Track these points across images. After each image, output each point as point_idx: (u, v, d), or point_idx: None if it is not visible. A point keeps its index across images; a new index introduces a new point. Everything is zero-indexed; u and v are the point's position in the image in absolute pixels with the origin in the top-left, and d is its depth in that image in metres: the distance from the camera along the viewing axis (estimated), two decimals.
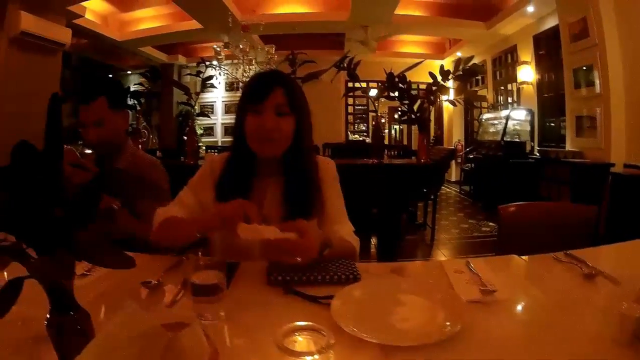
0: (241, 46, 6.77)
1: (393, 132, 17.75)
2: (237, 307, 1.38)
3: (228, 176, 2.04)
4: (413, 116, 6.65)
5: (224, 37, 10.32)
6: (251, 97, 1.94)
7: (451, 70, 5.75)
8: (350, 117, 15.28)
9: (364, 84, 9.39)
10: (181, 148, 7.58)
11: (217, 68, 7.20)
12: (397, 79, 6.36)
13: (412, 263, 1.78)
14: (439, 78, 6.14)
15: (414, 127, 13.38)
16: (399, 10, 9.72)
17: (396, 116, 12.90)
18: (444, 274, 1.67)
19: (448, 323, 1.21)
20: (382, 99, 13.77)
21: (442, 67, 6.10)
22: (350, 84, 11.23)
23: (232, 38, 10.23)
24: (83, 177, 2.04)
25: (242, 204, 1.67)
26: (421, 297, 1.41)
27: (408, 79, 6.33)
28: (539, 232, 2.54)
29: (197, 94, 7.10)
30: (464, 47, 12.31)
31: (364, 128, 15.17)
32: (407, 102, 6.80)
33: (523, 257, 1.90)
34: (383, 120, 15.67)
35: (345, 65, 6.78)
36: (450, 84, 6.52)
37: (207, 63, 7.05)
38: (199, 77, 7.05)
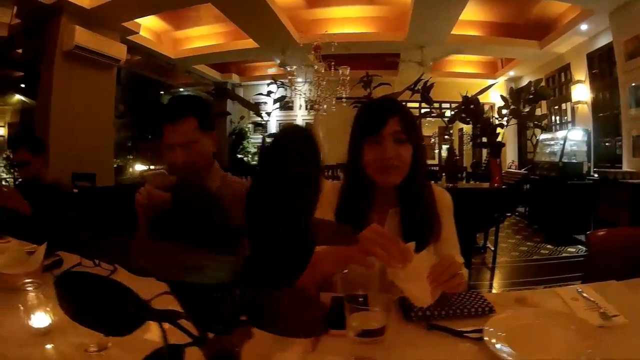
0: (315, 67, 6.93)
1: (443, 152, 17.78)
2: (380, 345, 1.33)
3: (346, 207, 2.03)
4: (485, 139, 6.70)
5: (279, 57, 10.61)
6: (368, 126, 1.98)
7: (508, 91, 5.75)
8: None
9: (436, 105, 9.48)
10: (234, 167, 7.63)
11: (289, 88, 7.35)
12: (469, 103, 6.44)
13: (530, 292, 1.77)
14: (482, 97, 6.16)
15: (466, 148, 13.57)
16: (455, 31, 9.91)
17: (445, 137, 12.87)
18: (563, 303, 1.68)
19: (590, 351, 1.24)
20: (431, 119, 13.95)
21: (512, 89, 6.22)
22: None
23: (288, 58, 10.49)
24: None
25: (385, 234, 1.60)
26: (559, 327, 1.42)
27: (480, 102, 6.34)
28: (629, 256, 2.46)
29: (269, 113, 7.27)
30: (517, 67, 12.50)
31: None
32: (479, 125, 6.87)
33: (621, 281, 1.89)
34: (433, 141, 15.84)
35: (419, 88, 6.89)
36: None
37: (279, 83, 7.21)
38: (269, 96, 7.22)
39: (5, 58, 10.59)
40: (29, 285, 1.45)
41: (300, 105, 13.67)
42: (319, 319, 0.81)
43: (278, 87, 7.30)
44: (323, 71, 6.87)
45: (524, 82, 12.52)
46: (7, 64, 11.31)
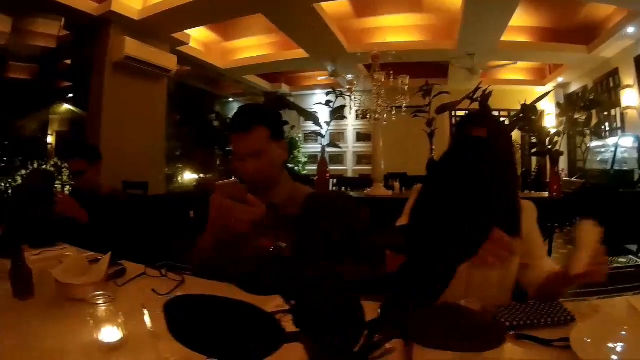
0: (375, 76, 6.99)
1: None
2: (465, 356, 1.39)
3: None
4: (542, 148, 6.68)
5: (329, 67, 10.69)
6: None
7: (556, 98, 5.73)
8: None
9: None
10: None
11: (348, 97, 7.41)
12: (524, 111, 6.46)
13: (602, 301, 1.76)
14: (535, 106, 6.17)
15: (516, 156, 13.54)
16: (503, 37, 9.91)
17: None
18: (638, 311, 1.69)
19: None
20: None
21: (569, 96, 6.21)
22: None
23: (338, 67, 10.58)
24: (252, 214, 1.98)
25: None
26: None
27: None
28: None
29: (328, 123, 7.33)
30: (565, 73, 12.38)
31: None
32: (535, 133, 6.85)
33: None
34: None
35: (477, 96, 6.94)
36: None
37: (338, 92, 7.29)
38: (329, 106, 7.28)
39: (54, 69, 10.77)
40: (99, 297, 1.46)
41: (358, 115, 13.44)
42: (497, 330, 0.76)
43: (337, 97, 7.34)
44: (383, 80, 6.91)
45: (572, 89, 12.53)
46: (55, 75, 11.51)
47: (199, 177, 13.70)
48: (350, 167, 15.35)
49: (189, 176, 13.92)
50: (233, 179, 2.10)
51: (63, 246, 2.87)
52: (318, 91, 15.02)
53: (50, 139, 12.88)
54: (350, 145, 15.30)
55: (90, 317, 1.38)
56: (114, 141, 7.94)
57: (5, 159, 12.35)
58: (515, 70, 13.41)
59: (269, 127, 2.25)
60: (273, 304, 1.42)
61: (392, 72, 7.12)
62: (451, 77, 11.81)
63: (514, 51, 10.79)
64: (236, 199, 1.97)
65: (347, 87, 7.24)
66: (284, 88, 15.13)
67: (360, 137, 15.31)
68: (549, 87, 13.09)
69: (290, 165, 13.48)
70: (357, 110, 7.64)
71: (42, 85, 11.78)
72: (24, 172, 11.77)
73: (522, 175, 11.19)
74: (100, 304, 1.41)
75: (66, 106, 12.30)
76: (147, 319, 1.26)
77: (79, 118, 11.85)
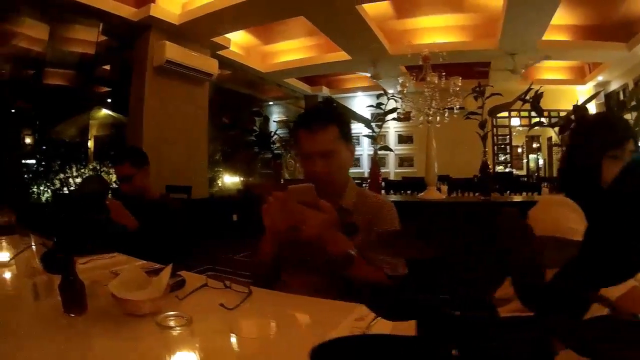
0: (428, 78, 6.83)
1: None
2: None
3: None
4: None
5: (370, 69, 10.55)
6: (612, 140, 1.89)
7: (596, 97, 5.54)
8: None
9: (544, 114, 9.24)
10: None
11: (399, 100, 7.26)
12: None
13: None
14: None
15: (556, 158, 13.30)
16: (544, 36, 9.77)
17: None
18: None
19: None
20: (520, 128, 13.70)
21: (609, 96, 6.02)
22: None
23: (380, 69, 10.44)
24: (324, 220, 1.91)
25: None
26: None
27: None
28: None
29: (380, 125, 7.20)
30: (605, 71, 12.19)
31: (501, 159, 15.06)
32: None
33: None
34: (520, 150, 15.57)
35: (529, 97, 6.80)
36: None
37: (390, 94, 7.14)
38: (381, 109, 7.14)
39: (92, 74, 10.77)
40: (172, 319, 1.31)
41: (400, 117, 13.51)
42: None
43: (388, 99, 7.19)
44: (436, 81, 6.73)
45: (612, 88, 12.29)
46: (93, 80, 11.52)
47: (244, 181, 13.63)
48: (392, 170, 15.28)
49: (229, 180, 13.86)
50: (308, 184, 1.97)
51: (111, 254, 2.78)
52: (359, 93, 15.19)
53: (88, 144, 12.83)
54: (392, 148, 15.10)
55: (163, 341, 1.25)
56: (155, 145, 7.92)
57: (43, 163, 12.39)
58: (554, 70, 13.22)
59: (340, 128, 2.20)
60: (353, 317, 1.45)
61: (444, 74, 6.94)
62: (492, 77, 11.59)
63: (554, 50, 10.59)
64: (307, 203, 1.91)
65: (399, 89, 7.03)
66: (325, 91, 15.17)
67: (402, 139, 15.26)
68: (589, 86, 13.00)
69: None
70: (399, 113, 7.43)
71: (80, 91, 11.79)
72: (62, 175, 11.82)
73: None
74: (173, 326, 1.26)
75: (105, 111, 12.30)
76: (234, 341, 1.14)
77: (117, 123, 11.84)
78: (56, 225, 3.28)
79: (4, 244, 2.82)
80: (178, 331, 1.23)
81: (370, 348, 0.68)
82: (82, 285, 1.68)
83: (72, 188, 11.28)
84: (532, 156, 15.90)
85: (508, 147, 15.09)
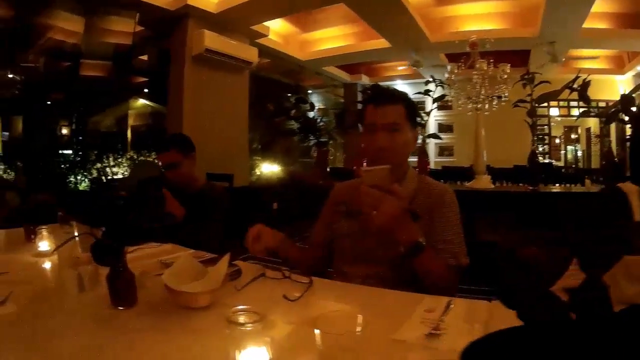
0: (477, 65, 6.66)
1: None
2: None
3: None
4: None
5: (411, 56, 10.40)
6: None
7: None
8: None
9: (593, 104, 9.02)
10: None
11: (448, 87, 7.13)
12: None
13: None
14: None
15: (594, 149, 13.08)
16: (585, 24, 9.51)
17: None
18: None
19: None
20: (559, 118, 13.43)
21: None
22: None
23: (421, 57, 10.28)
24: (398, 208, 1.80)
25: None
26: None
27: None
28: None
29: (428, 113, 7.09)
30: None
31: (540, 149, 14.82)
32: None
33: None
34: (558, 141, 15.31)
35: (577, 86, 6.62)
36: None
37: (438, 81, 7.00)
38: (429, 95, 7.01)
39: (129, 64, 10.80)
40: (241, 314, 1.21)
41: (439, 105, 13.39)
42: None
43: (437, 86, 7.05)
44: (485, 68, 6.55)
45: None
46: (130, 70, 11.56)
47: (284, 169, 13.62)
48: (432, 159, 14.92)
49: (268, 168, 13.86)
50: (385, 166, 1.85)
51: (157, 242, 2.72)
52: (398, 81, 14.98)
53: (126, 134, 12.92)
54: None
55: (231, 338, 1.14)
56: (195, 134, 7.73)
57: (80, 153, 12.47)
58: (593, 59, 12.91)
59: (406, 108, 2.15)
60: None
61: (492, 60, 6.76)
62: (532, 65, 11.35)
63: (594, 38, 10.42)
64: (380, 187, 1.79)
65: (446, 76, 6.88)
66: (364, 79, 15.11)
67: (442, 128, 14.99)
68: (628, 75, 12.82)
69: None
70: (446, 101, 7.30)
71: (117, 82, 11.84)
72: (99, 165, 11.88)
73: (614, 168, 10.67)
74: (245, 322, 1.17)
75: (142, 101, 12.32)
76: (318, 338, 1.03)
77: (155, 112, 11.86)
78: (107, 214, 3.18)
79: (45, 233, 2.65)
80: (250, 328, 1.14)
81: (520, 344, 0.68)
82: (132, 277, 1.63)
83: (121, 176, 11.36)
84: (570, 147, 15.63)
85: (547, 137, 14.82)
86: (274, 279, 1.91)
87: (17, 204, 7.05)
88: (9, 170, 10.50)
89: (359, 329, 1.03)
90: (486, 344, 0.71)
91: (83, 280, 1.76)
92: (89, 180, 11.81)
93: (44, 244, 2.49)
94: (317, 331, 1.02)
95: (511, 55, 10.80)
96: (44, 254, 2.43)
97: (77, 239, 2.00)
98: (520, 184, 7.30)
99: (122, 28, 8.16)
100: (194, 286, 1.57)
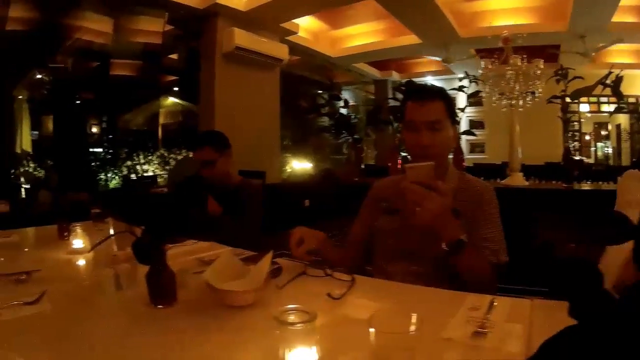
0: (511, 61, 6.60)
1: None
2: None
3: None
4: None
5: (441, 52, 10.35)
6: None
7: None
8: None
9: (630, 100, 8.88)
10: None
11: (481, 83, 7.07)
12: None
13: None
14: None
15: (625, 146, 12.91)
16: (614, 18, 9.42)
17: None
18: None
19: None
20: (589, 114, 13.26)
21: None
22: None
23: (451, 52, 10.23)
24: (442, 205, 1.79)
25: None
26: None
27: None
28: None
29: (462, 109, 7.03)
30: None
31: (570, 146, 14.66)
32: None
33: None
34: (588, 138, 15.11)
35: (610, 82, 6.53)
36: None
37: (472, 77, 6.94)
38: (464, 92, 6.95)
39: (159, 64, 10.88)
40: (291, 313, 1.18)
41: (470, 102, 13.27)
42: None
43: (470, 82, 6.99)
44: (519, 64, 6.48)
45: None
46: (160, 69, 11.64)
47: (316, 166, 13.64)
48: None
49: (299, 165, 13.92)
50: (429, 162, 1.86)
51: (193, 241, 2.69)
52: (429, 77, 14.95)
53: (156, 132, 13.04)
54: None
55: (281, 337, 1.11)
56: (227, 131, 7.69)
57: (111, 151, 12.60)
58: (623, 53, 12.86)
59: (446, 104, 2.15)
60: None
61: (525, 56, 6.69)
62: (562, 61, 11.22)
63: (624, 31, 10.22)
64: (423, 184, 1.79)
65: (480, 72, 6.83)
66: (394, 75, 15.15)
67: (473, 124, 14.90)
68: None
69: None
70: (480, 96, 7.22)
71: (147, 80, 11.94)
72: (129, 163, 11.99)
73: (635, 164, 10.55)
74: (295, 322, 1.13)
75: (172, 99, 12.40)
76: (372, 337, 1.02)
77: (185, 110, 11.95)
78: (148, 212, 3.18)
79: (79, 230, 2.67)
80: (300, 327, 1.11)
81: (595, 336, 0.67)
82: (172, 275, 1.62)
83: (151, 174, 11.45)
84: (599, 144, 15.42)
85: (577, 134, 14.63)
86: (314, 277, 1.92)
87: (49, 202, 7.11)
88: (39, 169, 10.64)
89: (413, 328, 1.03)
90: (566, 337, 0.70)
91: (120, 278, 1.78)
92: (119, 178, 11.95)
93: (78, 242, 2.50)
94: (372, 330, 1.01)
95: (540, 50, 10.74)
96: (78, 252, 2.46)
97: (113, 237, 2.04)
98: (554, 182, 7.22)
99: (151, 27, 8.27)
100: (236, 284, 1.59)
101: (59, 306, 1.60)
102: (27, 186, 10.11)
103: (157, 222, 1.68)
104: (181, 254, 2.28)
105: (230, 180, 3.52)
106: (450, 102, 2.18)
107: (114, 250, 2.00)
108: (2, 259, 2.43)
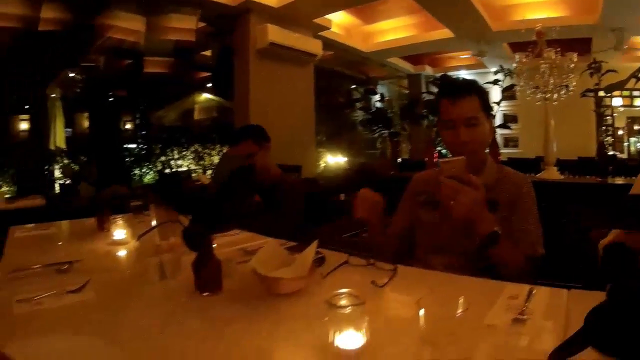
0: (545, 54, 6.58)
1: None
2: None
3: None
4: None
5: (474, 46, 10.33)
6: None
7: None
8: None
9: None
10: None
11: (515, 77, 7.06)
12: None
13: None
14: None
15: None
16: None
17: None
18: None
19: None
20: (622, 108, 13.09)
21: None
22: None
23: (484, 46, 10.21)
24: (475, 199, 1.84)
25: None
26: None
27: None
28: None
29: (498, 102, 7.03)
30: None
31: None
32: None
33: None
34: (621, 132, 14.95)
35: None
36: None
37: (506, 71, 6.95)
38: (499, 85, 6.95)
39: (192, 61, 10.97)
40: (342, 298, 1.17)
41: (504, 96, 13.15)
42: None
43: (505, 76, 6.99)
44: (553, 57, 6.47)
45: None
46: (193, 66, 11.74)
47: (351, 161, 13.69)
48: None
49: (334, 160, 13.96)
50: (460, 157, 1.93)
51: (236, 232, 2.69)
52: (462, 72, 15.00)
53: (190, 128, 13.16)
54: (497, 128, 14.85)
55: (331, 321, 1.11)
56: (263, 126, 7.87)
57: (145, 147, 12.76)
58: None
59: (480, 99, 2.16)
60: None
61: (559, 49, 6.66)
62: (594, 54, 11.13)
63: None
64: (457, 178, 1.84)
65: (514, 65, 6.82)
66: (427, 70, 15.24)
67: (507, 118, 14.68)
68: None
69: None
70: (515, 90, 7.22)
71: (180, 77, 12.07)
72: (163, 158, 12.15)
73: None
74: (346, 305, 1.12)
75: (205, 95, 12.51)
76: (421, 318, 1.06)
77: (218, 106, 12.06)
78: (197, 203, 3.27)
79: (120, 222, 2.80)
80: (350, 310, 1.11)
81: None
82: (218, 263, 1.65)
83: (185, 169, 11.57)
84: (632, 139, 15.21)
85: (610, 128, 14.47)
86: (357, 266, 1.93)
87: (90, 194, 7.28)
88: (72, 165, 10.85)
89: (459, 311, 1.06)
90: (611, 308, 0.74)
91: (164, 267, 1.81)
92: (153, 173, 12.12)
93: (119, 233, 2.57)
94: (422, 312, 1.05)
95: (572, 43, 10.68)
96: (119, 243, 2.51)
97: (156, 227, 2.06)
98: (587, 176, 7.19)
99: (184, 25, 8.34)
100: (282, 273, 1.60)
101: (102, 294, 1.65)
102: (63, 181, 10.35)
103: (206, 211, 1.74)
104: (225, 244, 2.30)
105: (269, 174, 3.58)
106: (484, 95, 2.21)
107: (157, 240, 2.04)
108: (42, 250, 2.45)
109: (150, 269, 1.80)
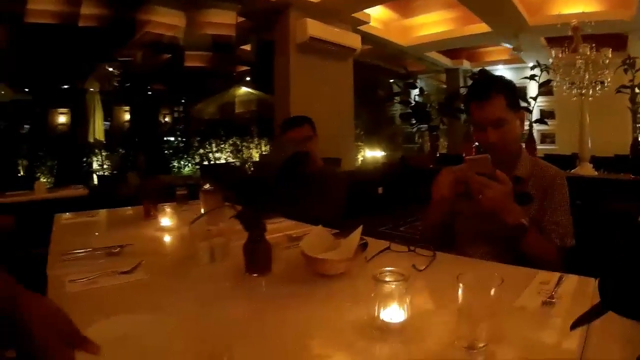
0: (580, 50, 6.63)
1: None
2: None
3: None
4: None
5: (511, 41, 10.36)
6: None
7: None
8: None
9: None
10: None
11: (552, 72, 7.11)
12: None
13: None
14: None
15: None
16: None
17: None
18: None
19: None
20: None
21: None
22: None
23: (521, 41, 10.23)
24: (502, 192, 1.93)
25: None
26: None
27: None
28: None
29: (535, 98, 7.06)
30: None
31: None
32: None
33: None
34: None
35: None
36: None
37: (543, 66, 7.00)
38: (536, 80, 6.99)
39: (232, 55, 11.13)
40: (388, 274, 1.26)
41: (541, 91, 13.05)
42: None
43: (542, 71, 7.04)
44: (588, 53, 6.52)
45: None
46: (234, 60, 11.91)
47: (390, 154, 13.76)
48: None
49: (372, 153, 14.05)
50: (484, 155, 2.01)
51: (280, 220, 2.81)
52: (500, 66, 15.00)
53: (230, 121, 13.37)
54: (535, 124, 14.75)
55: (377, 295, 1.21)
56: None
57: (184, 139, 13.02)
58: None
59: (507, 97, 2.20)
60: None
61: (594, 45, 6.70)
62: (630, 49, 11.08)
63: None
64: (484, 174, 1.94)
65: (551, 61, 6.87)
66: (465, 64, 15.26)
67: (544, 114, 14.06)
68: None
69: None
70: (551, 85, 7.26)
71: (220, 71, 12.26)
72: (201, 151, 12.39)
73: None
74: (391, 281, 1.22)
75: (244, 89, 12.69)
76: (460, 292, 1.11)
77: (258, 99, 12.24)
78: (254, 188, 3.37)
79: (168, 209, 2.97)
80: (395, 285, 1.21)
81: None
82: (268, 246, 1.76)
83: (224, 161, 11.77)
84: None
85: None
86: (399, 252, 2.02)
87: (138, 183, 7.59)
88: (110, 157, 11.19)
89: (496, 287, 1.09)
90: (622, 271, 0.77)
91: (214, 251, 1.93)
92: (192, 165, 12.38)
93: (166, 220, 2.71)
94: (460, 286, 1.10)
95: (607, 39, 10.66)
96: (166, 229, 2.65)
97: (207, 213, 2.20)
98: (622, 173, 7.19)
99: (224, 20, 8.49)
100: (329, 255, 1.69)
101: (154, 275, 1.76)
102: (103, 172, 10.70)
103: (259, 195, 1.89)
104: (271, 231, 2.33)
105: (315, 165, 3.67)
106: (511, 91, 2.25)
107: (207, 225, 2.11)
108: (91, 236, 2.59)
109: (200, 252, 1.93)
